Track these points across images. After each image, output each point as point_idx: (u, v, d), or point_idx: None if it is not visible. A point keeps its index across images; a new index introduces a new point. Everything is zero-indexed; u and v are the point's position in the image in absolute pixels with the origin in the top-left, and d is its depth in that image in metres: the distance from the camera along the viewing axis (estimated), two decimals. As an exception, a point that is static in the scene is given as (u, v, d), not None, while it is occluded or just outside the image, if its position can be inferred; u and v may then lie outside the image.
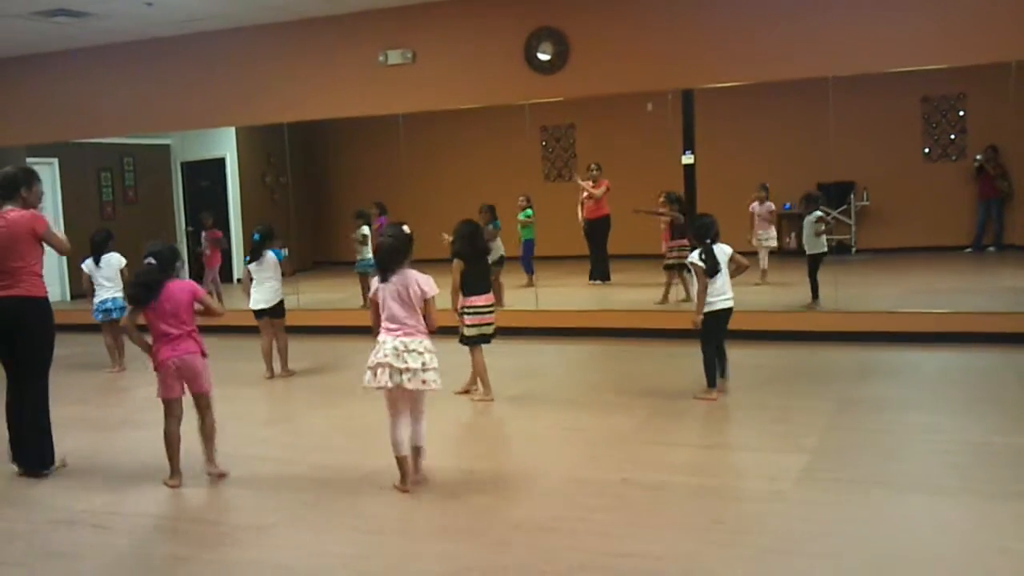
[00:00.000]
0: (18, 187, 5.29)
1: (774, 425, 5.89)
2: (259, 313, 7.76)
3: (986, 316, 8.12)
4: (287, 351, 7.91)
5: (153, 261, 4.93)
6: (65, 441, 5.53)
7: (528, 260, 11.08)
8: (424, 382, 4.61)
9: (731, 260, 6.36)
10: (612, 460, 5.20)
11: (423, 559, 4.02)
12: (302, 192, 13.04)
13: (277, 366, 7.89)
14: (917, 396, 6.46)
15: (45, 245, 5.31)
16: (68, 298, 12.29)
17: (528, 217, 11.10)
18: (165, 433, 5.00)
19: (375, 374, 4.62)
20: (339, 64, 10.05)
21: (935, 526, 4.10)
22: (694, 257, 6.34)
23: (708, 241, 6.29)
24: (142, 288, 4.89)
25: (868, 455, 5.09)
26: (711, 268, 6.25)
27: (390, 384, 4.60)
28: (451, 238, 6.34)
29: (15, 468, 5.30)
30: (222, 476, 5.03)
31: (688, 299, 9.63)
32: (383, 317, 4.68)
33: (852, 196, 10.92)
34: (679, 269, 9.58)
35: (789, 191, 10.22)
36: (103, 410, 7.25)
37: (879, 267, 8.86)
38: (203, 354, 4.99)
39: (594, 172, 11.17)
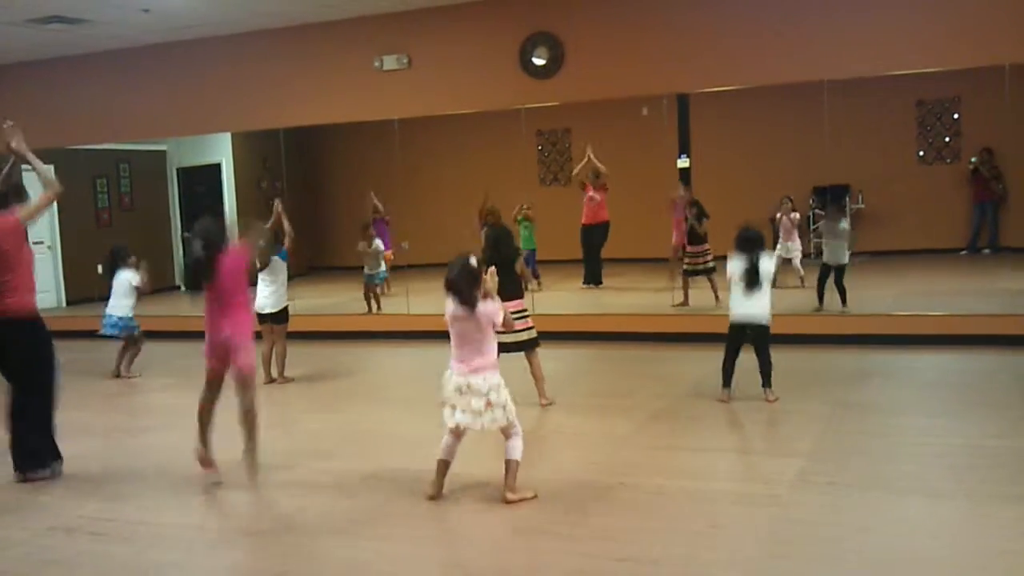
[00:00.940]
0: (8, 204, 5.20)
1: (771, 428, 5.90)
2: (263, 317, 7.73)
3: (982, 318, 8.14)
4: (285, 358, 7.89)
5: (201, 244, 4.96)
6: (63, 447, 5.51)
7: (532, 265, 11.09)
8: (494, 420, 4.53)
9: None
10: (609, 464, 5.20)
11: (421, 563, 4.02)
12: (298, 197, 13.02)
13: (275, 371, 7.88)
14: (913, 399, 6.47)
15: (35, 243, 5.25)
16: (64, 304, 12.29)
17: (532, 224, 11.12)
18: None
19: (445, 412, 4.62)
20: (335, 70, 10.05)
21: (932, 529, 4.11)
22: (734, 269, 6.27)
23: (755, 254, 6.21)
24: (194, 274, 5.04)
25: (864, 458, 5.10)
26: (752, 283, 6.19)
27: (451, 424, 4.59)
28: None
29: (16, 475, 5.26)
30: (252, 458, 5.02)
31: (684, 304, 9.65)
32: (452, 349, 4.63)
33: (847, 199, 10.93)
34: (705, 273, 9.57)
35: (784, 194, 10.21)
36: (101, 417, 7.23)
37: (875, 270, 8.88)
38: (245, 334, 5.03)
39: (595, 179, 11.13)
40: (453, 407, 4.57)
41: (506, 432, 4.62)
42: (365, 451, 5.78)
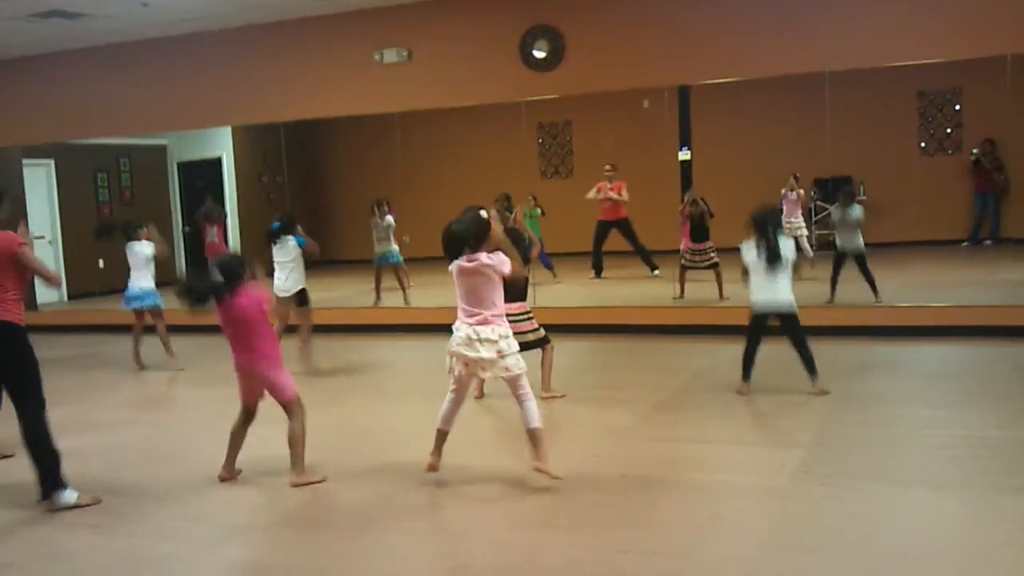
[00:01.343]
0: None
1: (772, 420, 5.90)
2: (280, 300, 7.61)
3: (983, 309, 8.13)
4: (310, 342, 7.88)
5: (219, 274, 4.82)
6: (62, 441, 5.50)
7: (544, 256, 11.07)
8: (507, 369, 4.51)
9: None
10: (611, 456, 5.20)
11: (421, 556, 4.02)
12: (299, 191, 13.04)
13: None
14: (915, 390, 6.46)
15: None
16: (66, 299, 12.29)
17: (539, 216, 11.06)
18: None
19: (451, 362, 4.60)
20: (335, 63, 10.04)
21: (934, 520, 4.11)
22: (749, 251, 6.18)
23: (772, 231, 6.12)
24: (190, 294, 4.81)
25: (866, 449, 5.09)
26: (773, 260, 6.07)
27: (463, 372, 4.57)
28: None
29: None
30: (303, 484, 4.90)
31: (680, 297, 9.62)
32: (458, 303, 4.60)
33: (857, 186, 10.89)
34: (709, 268, 9.55)
35: (791, 172, 10.21)
36: (102, 410, 7.23)
37: (876, 261, 8.86)
38: (274, 365, 4.92)
39: (609, 173, 11.07)
40: (461, 356, 4.53)
41: (516, 389, 4.56)
42: (365, 444, 5.78)
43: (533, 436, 4.58)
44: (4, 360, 4.78)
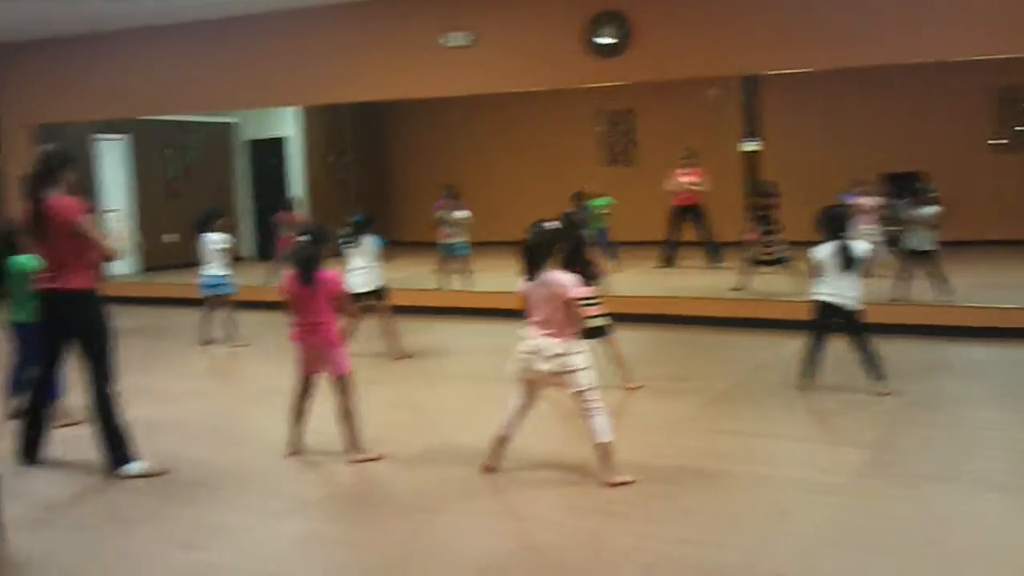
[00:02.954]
0: (64, 167, 4.85)
1: (836, 418, 5.80)
2: (355, 297, 7.31)
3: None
4: (395, 336, 7.78)
5: (309, 238, 5.01)
6: (131, 411, 5.58)
7: (607, 246, 10.97)
8: (567, 384, 4.48)
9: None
10: (670, 446, 5.17)
11: (483, 535, 4.04)
12: (365, 171, 13.13)
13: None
14: (984, 392, 6.31)
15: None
16: (139, 271, 12.54)
17: (607, 206, 10.92)
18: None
19: (518, 364, 4.58)
20: (400, 45, 10.06)
21: (1001, 524, 4.02)
22: (824, 252, 6.02)
23: (842, 234, 5.99)
24: (303, 263, 4.98)
25: (933, 450, 5.00)
26: (846, 265, 5.94)
27: (524, 376, 4.57)
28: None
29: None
30: (361, 461, 4.97)
31: (740, 288, 9.48)
32: (530, 316, 4.57)
33: (929, 185, 10.64)
34: (778, 263, 9.40)
35: (856, 179, 9.99)
36: (168, 381, 7.33)
37: (947, 260, 8.66)
38: (334, 344, 5.01)
39: (686, 160, 10.84)
40: (525, 363, 4.51)
41: (580, 404, 4.50)
42: (425, 425, 5.83)
43: (601, 451, 4.50)
44: (78, 327, 4.86)
